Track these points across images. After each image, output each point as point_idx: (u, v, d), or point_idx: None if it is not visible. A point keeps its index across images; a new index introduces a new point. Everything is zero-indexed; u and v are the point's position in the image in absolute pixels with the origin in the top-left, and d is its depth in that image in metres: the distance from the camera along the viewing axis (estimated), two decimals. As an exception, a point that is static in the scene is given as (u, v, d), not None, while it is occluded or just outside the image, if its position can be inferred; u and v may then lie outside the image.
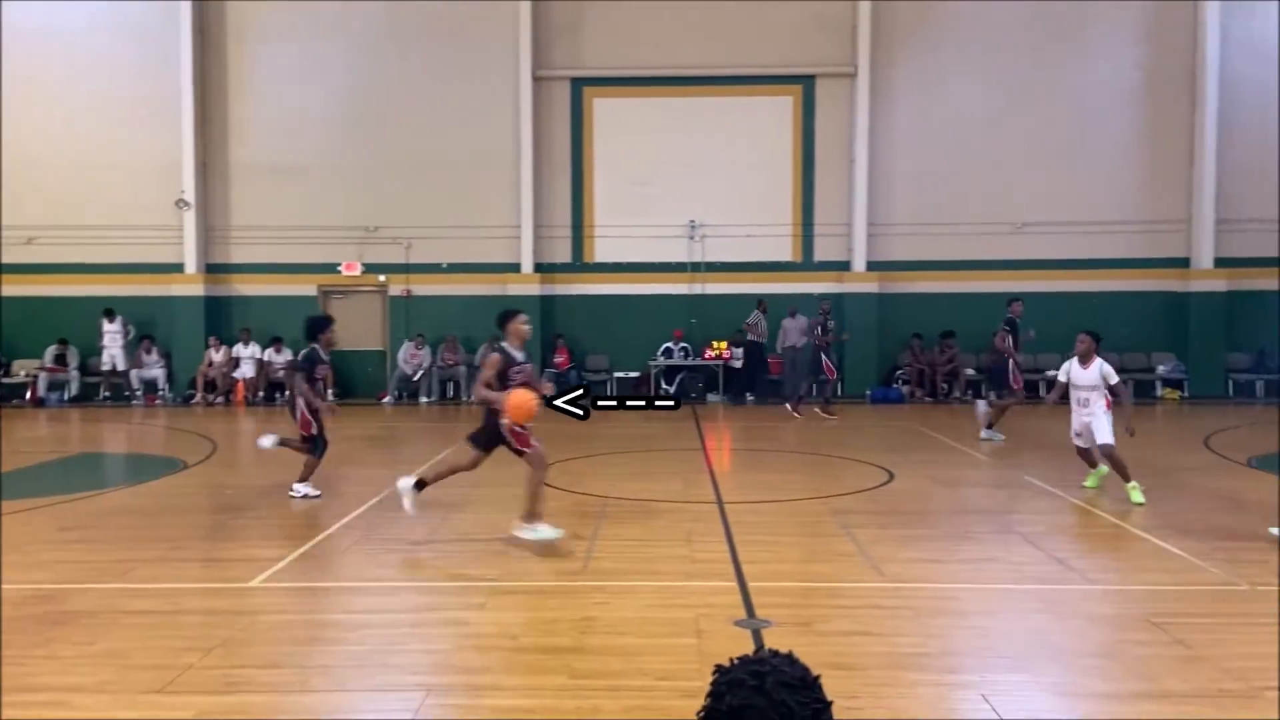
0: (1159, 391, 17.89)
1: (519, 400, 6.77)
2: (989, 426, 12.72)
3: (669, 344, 18.41)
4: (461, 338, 18.48)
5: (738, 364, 18.12)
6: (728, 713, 1.48)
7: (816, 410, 15.28)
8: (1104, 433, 8.73)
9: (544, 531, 6.97)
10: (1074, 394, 9.04)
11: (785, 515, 8.37)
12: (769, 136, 18.73)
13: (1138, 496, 8.45)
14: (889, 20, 18.26)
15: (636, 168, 18.69)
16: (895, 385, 18.21)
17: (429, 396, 18.21)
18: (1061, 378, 9.22)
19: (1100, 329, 17.80)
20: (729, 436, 14.55)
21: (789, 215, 18.82)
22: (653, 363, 18.32)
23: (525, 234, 18.56)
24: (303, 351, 9.28)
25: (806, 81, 18.56)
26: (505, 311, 7.44)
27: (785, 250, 18.84)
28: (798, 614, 5.65)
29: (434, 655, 4.94)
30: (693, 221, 18.56)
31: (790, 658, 1.55)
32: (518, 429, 6.92)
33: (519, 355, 7.19)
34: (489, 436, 7.10)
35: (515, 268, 18.63)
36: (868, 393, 18.07)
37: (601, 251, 18.89)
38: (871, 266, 18.49)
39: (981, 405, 13.24)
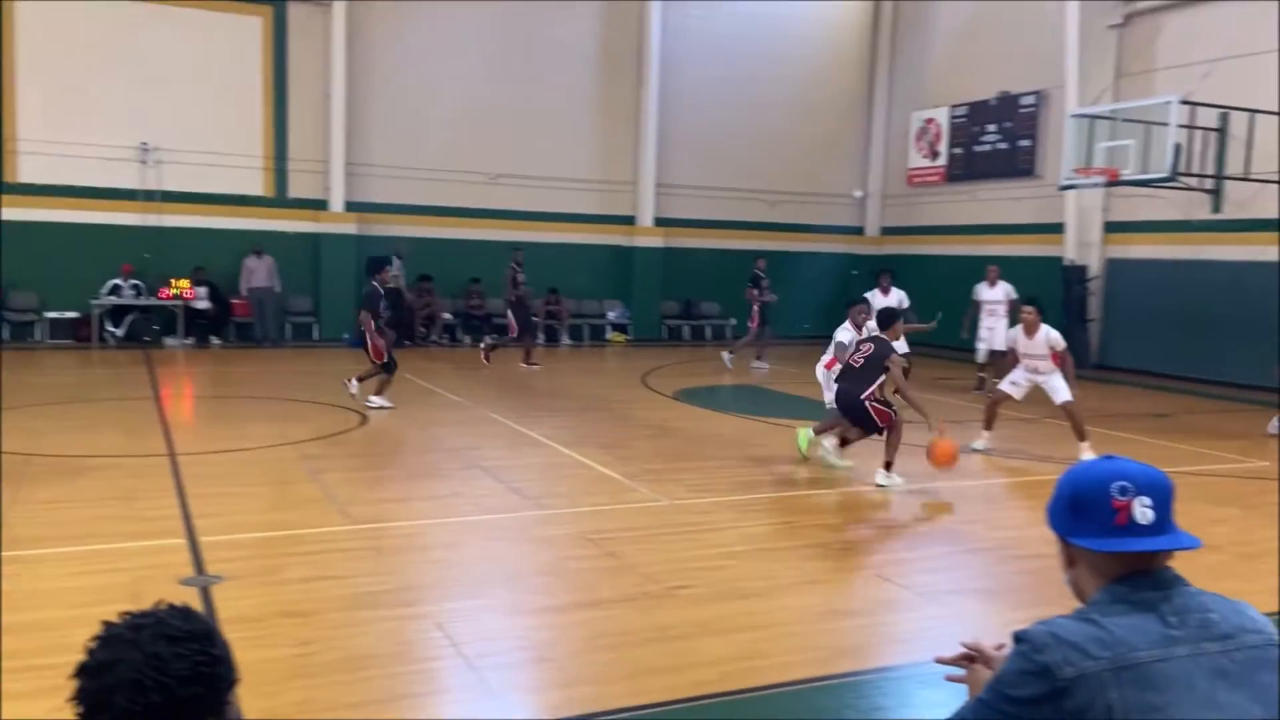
0: (608, 335, 19.99)
1: (947, 452, 7.66)
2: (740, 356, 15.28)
3: (117, 280, 16.33)
4: None
5: (203, 305, 16.67)
6: (97, 668, 1.31)
7: (520, 364, 14.78)
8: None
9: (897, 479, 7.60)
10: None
11: (248, 464, 7.90)
12: (235, 59, 17.29)
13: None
14: (367, -47, 17.80)
15: (73, 75, 16.11)
16: (373, 329, 18.11)
17: None
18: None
19: (563, 279, 19.37)
20: (190, 383, 13.37)
21: (259, 146, 17.64)
22: (96, 302, 16.14)
23: (-82, 141, 15.12)
24: (365, 290, 11.00)
25: (277, 4, 17.43)
26: (889, 311, 8.55)
27: (256, 184, 17.65)
28: (256, 565, 5.37)
29: None
30: (145, 144, 16.56)
31: (185, 611, 1.41)
32: (881, 407, 7.74)
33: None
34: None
35: (-96, 182, 15.14)
36: (345, 337, 17.76)
37: (27, 170, 16.07)
38: (350, 207, 18.08)
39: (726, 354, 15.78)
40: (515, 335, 15.19)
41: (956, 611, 4.97)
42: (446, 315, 18.60)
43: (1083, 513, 1.74)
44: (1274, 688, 1.63)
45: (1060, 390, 8.87)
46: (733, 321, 21.03)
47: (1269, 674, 1.63)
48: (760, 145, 20.99)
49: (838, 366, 8.44)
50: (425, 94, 18.44)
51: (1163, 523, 1.72)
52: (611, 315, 20.22)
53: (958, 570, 5.82)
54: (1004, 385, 9.32)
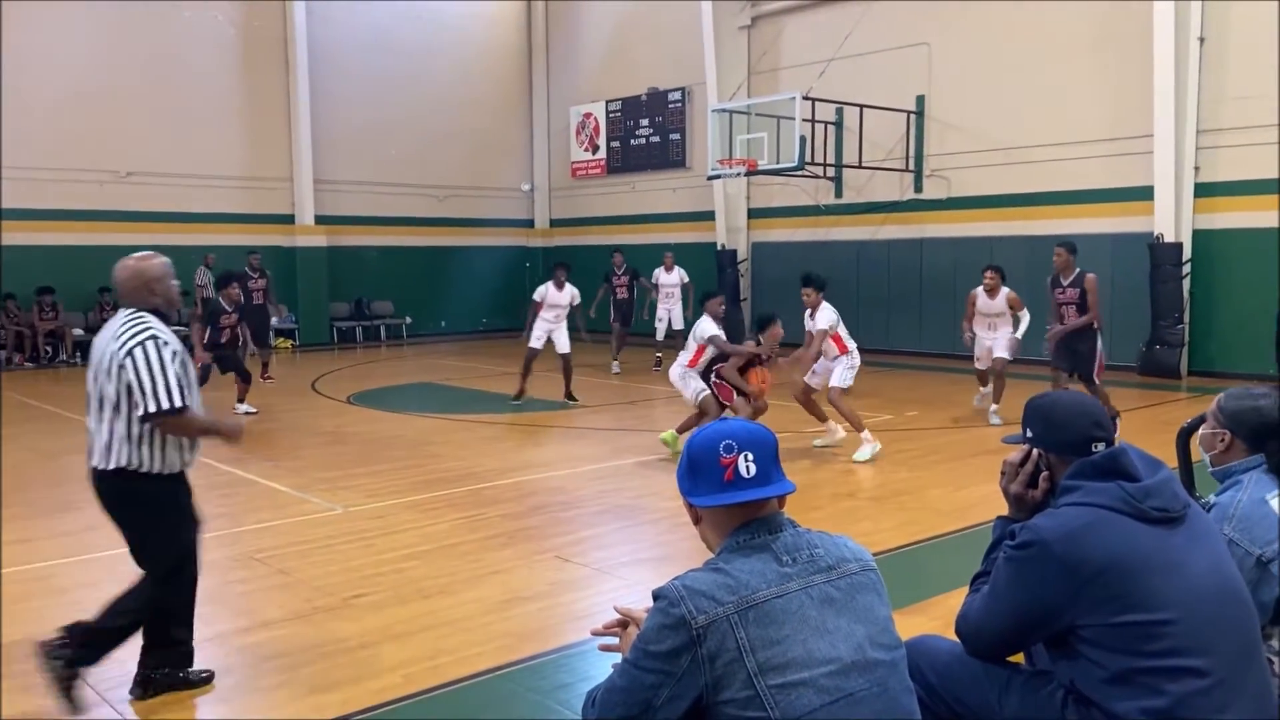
0: (273, 342, 18.77)
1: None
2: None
3: None
4: None
5: None
6: None
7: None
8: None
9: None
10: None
11: None
12: None
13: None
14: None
15: None
16: (-14, 351, 15.82)
17: None
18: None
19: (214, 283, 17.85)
20: None
21: None
22: None
23: None
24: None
25: None
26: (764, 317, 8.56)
27: None
28: None
29: None
30: None
31: None
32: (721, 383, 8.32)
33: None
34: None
35: None
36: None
37: None
38: (-61, 212, 15.63)
39: None
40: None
41: (631, 582, 5.18)
42: (77, 331, 16.62)
43: (698, 473, 1.87)
44: (873, 608, 1.83)
45: (834, 377, 8.49)
46: (408, 320, 20.59)
47: (867, 596, 1.83)
48: (425, 139, 20.65)
49: (702, 362, 8.29)
50: (27, 82, 16.26)
51: (766, 474, 1.87)
52: (274, 321, 18.99)
53: (632, 543, 6.07)
54: (808, 378, 8.68)
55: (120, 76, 17.11)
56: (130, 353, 3.50)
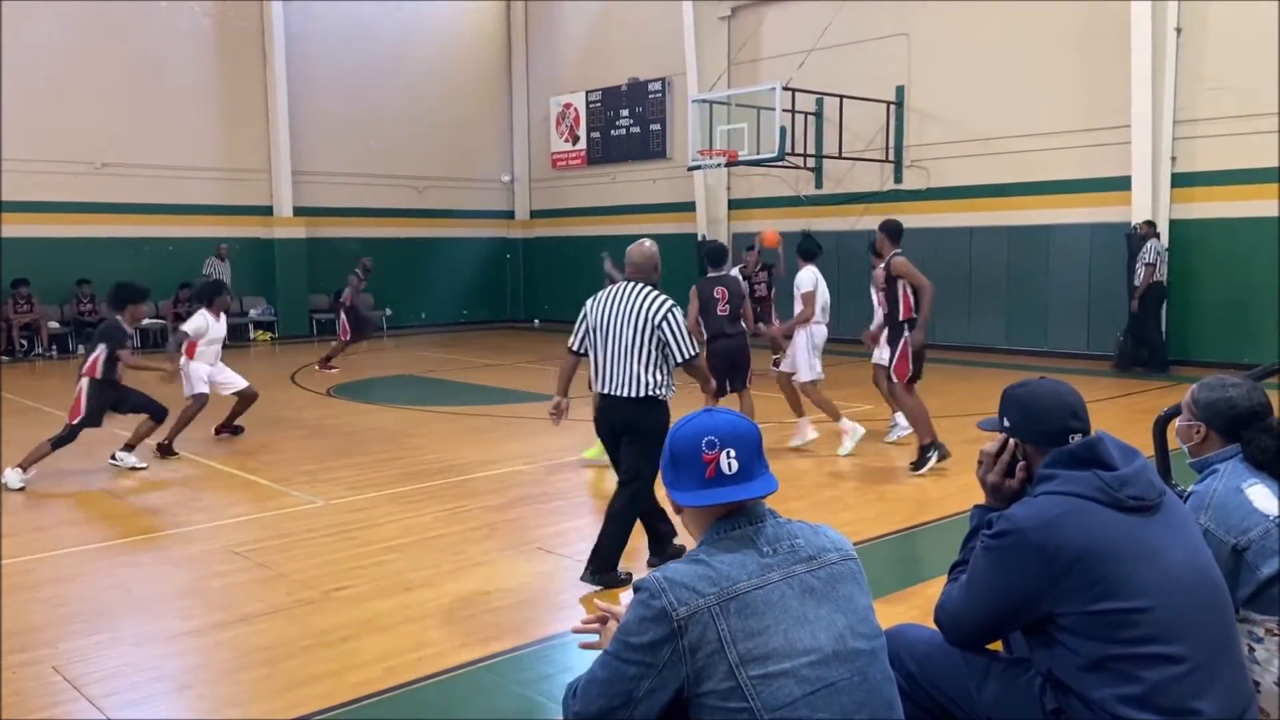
0: (252, 334, 18.70)
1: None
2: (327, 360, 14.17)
3: None
4: None
5: None
6: None
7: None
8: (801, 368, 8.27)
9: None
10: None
11: None
12: None
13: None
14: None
15: None
16: (-41, 345, 15.62)
17: None
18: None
19: (194, 275, 17.76)
20: None
21: None
22: None
23: None
24: (102, 326, 7.81)
25: None
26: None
27: None
28: None
29: None
30: None
31: None
32: None
33: None
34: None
35: None
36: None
37: None
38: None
39: None
40: (348, 339, 14.42)
41: (614, 573, 5.17)
42: (53, 324, 16.44)
43: (680, 467, 1.87)
44: (853, 597, 1.84)
45: (802, 369, 8.31)
46: (388, 312, 20.48)
47: (847, 586, 1.84)
48: (405, 130, 20.54)
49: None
50: (12, 80, 16.02)
51: (748, 470, 1.86)
52: (254, 313, 18.93)
53: (615, 534, 6.06)
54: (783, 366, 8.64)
55: (96, 67, 16.89)
56: (665, 317, 4.90)
